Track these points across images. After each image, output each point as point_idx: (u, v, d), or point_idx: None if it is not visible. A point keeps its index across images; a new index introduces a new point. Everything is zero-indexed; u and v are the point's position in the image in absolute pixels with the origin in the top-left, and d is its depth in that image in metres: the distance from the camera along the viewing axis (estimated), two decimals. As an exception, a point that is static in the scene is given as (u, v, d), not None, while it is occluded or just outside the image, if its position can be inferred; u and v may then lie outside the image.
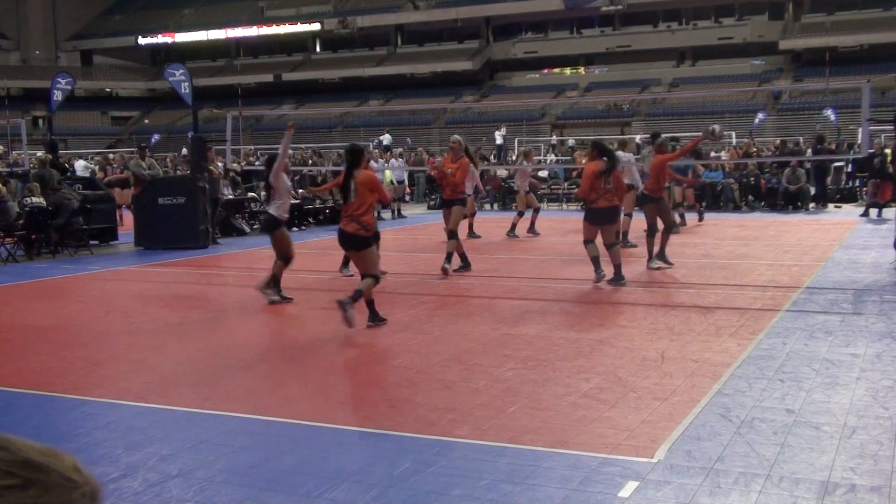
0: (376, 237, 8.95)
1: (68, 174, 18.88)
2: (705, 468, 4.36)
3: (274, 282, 9.70)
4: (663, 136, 13.53)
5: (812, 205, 21.37)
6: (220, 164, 17.65)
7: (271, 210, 9.74)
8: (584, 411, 5.37)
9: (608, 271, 10.33)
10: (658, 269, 11.47)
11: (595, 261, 10.34)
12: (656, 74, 51.21)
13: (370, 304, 8.28)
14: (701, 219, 18.28)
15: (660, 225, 11.72)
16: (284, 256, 9.73)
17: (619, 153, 16.25)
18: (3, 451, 0.85)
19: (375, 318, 8.27)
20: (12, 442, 0.86)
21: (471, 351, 7.14)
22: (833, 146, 24.69)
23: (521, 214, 16.64)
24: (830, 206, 21.76)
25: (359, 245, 8.35)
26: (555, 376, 6.22)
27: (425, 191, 26.81)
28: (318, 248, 14.72)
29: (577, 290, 10.26)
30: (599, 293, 10.04)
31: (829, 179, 23.36)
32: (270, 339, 7.91)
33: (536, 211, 16.83)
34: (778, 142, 26.75)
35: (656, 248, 11.71)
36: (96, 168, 24.91)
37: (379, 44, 59.63)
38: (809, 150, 22.98)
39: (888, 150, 20.37)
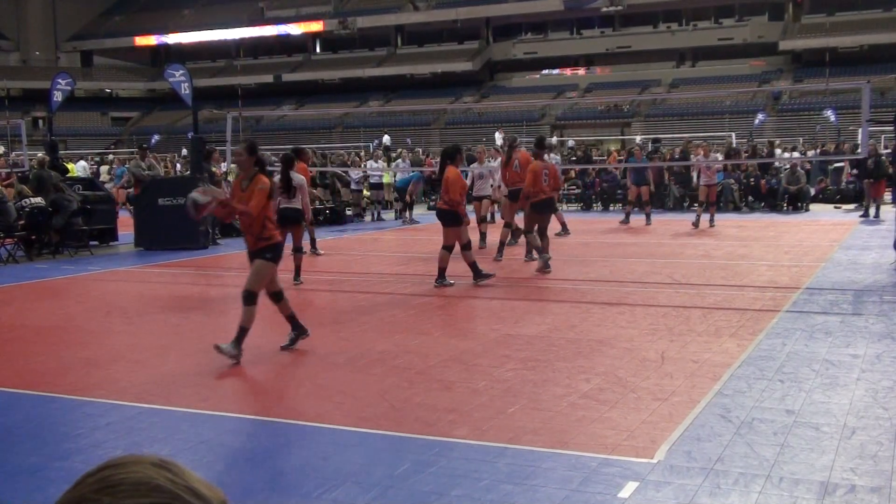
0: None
1: (68, 174, 18.87)
2: (705, 469, 4.36)
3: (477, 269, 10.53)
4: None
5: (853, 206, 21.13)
6: (223, 166, 17.64)
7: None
8: (583, 412, 5.37)
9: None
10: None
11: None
12: (656, 75, 51.21)
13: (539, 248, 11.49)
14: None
15: None
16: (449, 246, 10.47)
17: (475, 165, 16.34)
18: (174, 475, 0.91)
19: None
20: (181, 469, 0.93)
21: (471, 351, 7.14)
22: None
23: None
24: (843, 206, 21.59)
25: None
26: (554, 377, 6.23)
27: (423, 191, 26.74)
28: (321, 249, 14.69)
29: (576, 290, 10.26)
30: (598, 293, 10.04)
31: (828, 180, 23.35)
32: (270, 340, 7.90)
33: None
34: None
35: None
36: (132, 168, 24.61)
37: (379, 44, 59.62)
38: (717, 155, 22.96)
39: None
